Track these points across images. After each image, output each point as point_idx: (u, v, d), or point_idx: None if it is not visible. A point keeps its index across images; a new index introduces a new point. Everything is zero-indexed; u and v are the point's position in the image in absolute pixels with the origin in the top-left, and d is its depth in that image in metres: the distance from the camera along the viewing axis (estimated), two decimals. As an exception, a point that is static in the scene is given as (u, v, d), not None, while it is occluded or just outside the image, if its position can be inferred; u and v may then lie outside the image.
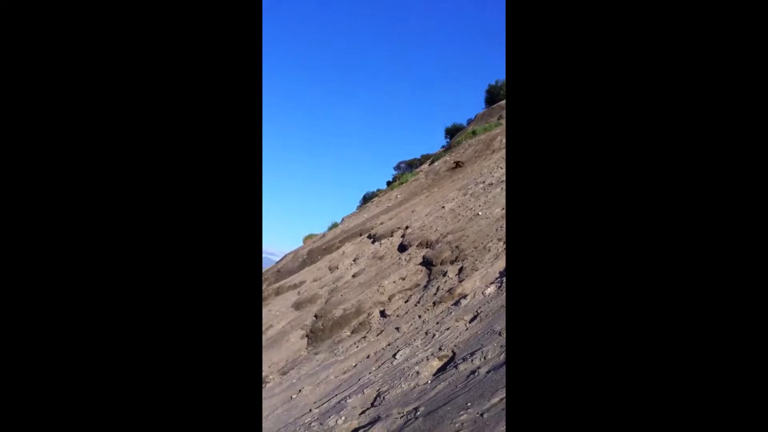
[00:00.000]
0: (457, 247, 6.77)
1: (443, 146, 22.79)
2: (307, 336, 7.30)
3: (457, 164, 13.90)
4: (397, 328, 5.34)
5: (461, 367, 3.31)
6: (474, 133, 15.76)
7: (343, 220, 18.88)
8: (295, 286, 11.13)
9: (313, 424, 3.72)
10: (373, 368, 4.50)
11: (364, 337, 5.78)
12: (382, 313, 6.37)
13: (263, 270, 18.78)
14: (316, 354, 6.26)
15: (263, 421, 4.50)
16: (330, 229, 18.23)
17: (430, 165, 17.70)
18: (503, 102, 18.65)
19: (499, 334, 3.49)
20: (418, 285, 6.70)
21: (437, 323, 4.83)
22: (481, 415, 2.40)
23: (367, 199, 29.32)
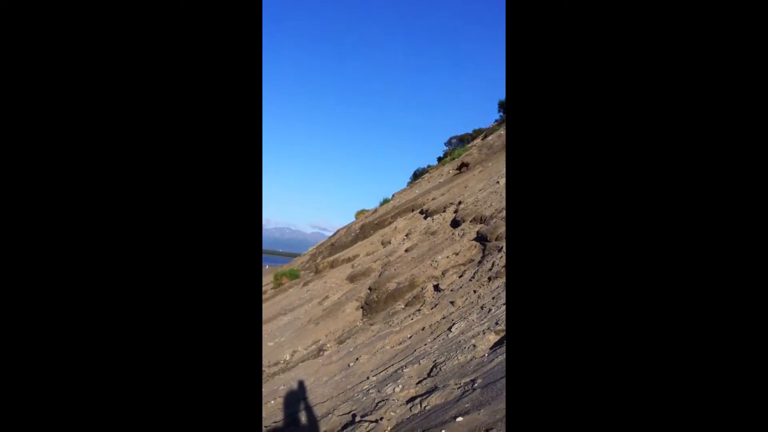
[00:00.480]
0: (512, 222, 6.63)
1: (497, 120, 22.10)
2: (361, 307, 7.51)
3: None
4: (452, 302, 5.37)
5: (519, 341, 3.29)
6: (530, 105, 15.14)
7: (393, 196, 18.96)
8: (348, 260, 11.41)
9: (371, 391, 3.86)
10: (429, 340, 4.58)
11: (419, 310, 5.86)
12: (436, 288, 6.41)
13: (317, 243, 19.30)
14: (372, 325, 6.43)
15: (323, 386, 4.73)
16: (381, 204, 18.39)
17: (483, 139, 17.27)
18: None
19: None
20: (472, 260, 6.67)
21: (493, 298, 4.80)
22: (542, 388, 2.39)
23: (417, 175, 29.23)
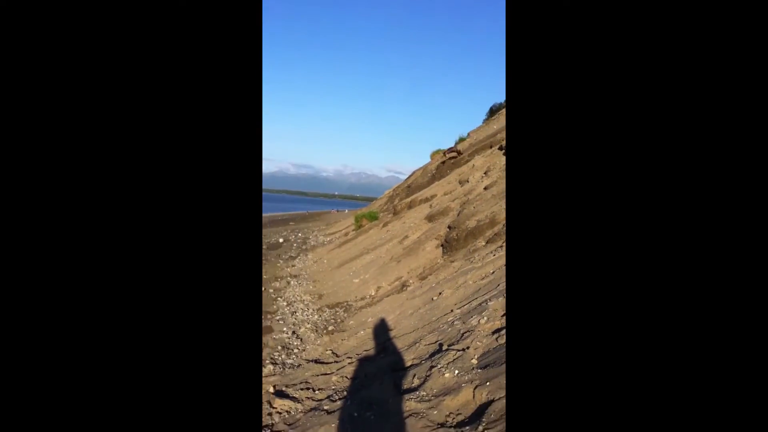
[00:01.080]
0: (603, 152, 6.15)
1: (583, 42, 20.02)
2: (441, 245, 7.58)
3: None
4: (536, 238, 5.21)
5: (613, 274, 3.15)
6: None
7: (469, 134, 18.36)
8: (426, 200, 11.43)
9: (455, 322, 3.96)
10: (512, 275, 4.53)
11: (501, 247, 5.78)
12: (518, 224, 6.25)
13: (393, 186, 19.51)
14: (452, 262, 6.49)
15: (408, 318, 4.94)
16: (457, 143, 17.93)
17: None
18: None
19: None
20: (557, 195, 6.36)
21: (581, 232, 4.59)
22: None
23: (494, 111, 27.86)
